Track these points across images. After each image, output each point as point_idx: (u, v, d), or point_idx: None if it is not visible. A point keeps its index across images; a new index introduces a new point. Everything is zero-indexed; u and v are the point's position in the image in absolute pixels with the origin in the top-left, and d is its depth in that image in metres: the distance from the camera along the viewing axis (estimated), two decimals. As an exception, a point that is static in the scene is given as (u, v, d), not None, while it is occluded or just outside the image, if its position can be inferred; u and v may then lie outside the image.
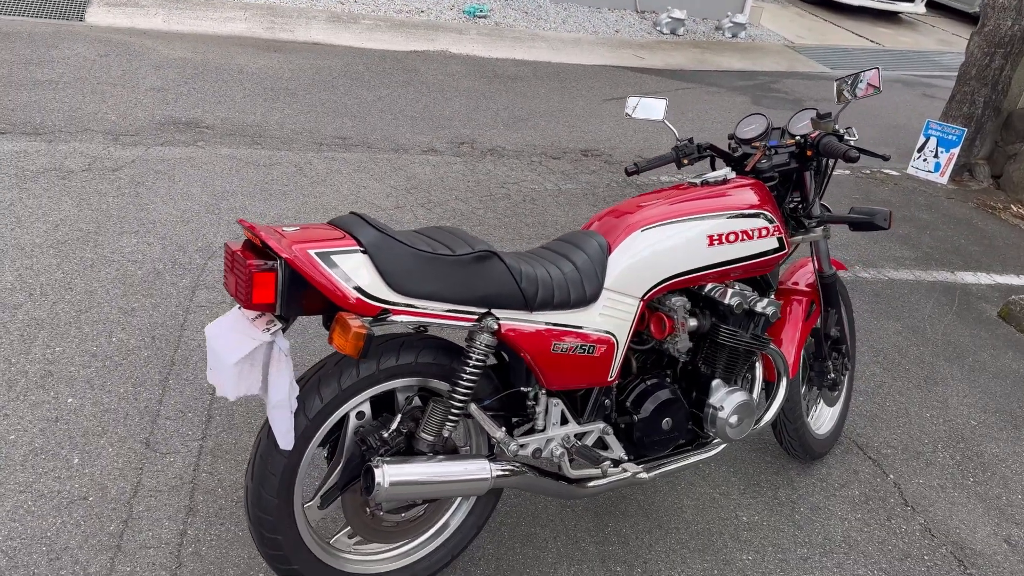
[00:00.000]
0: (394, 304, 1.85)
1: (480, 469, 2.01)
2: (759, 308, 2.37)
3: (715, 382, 2.40)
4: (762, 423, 2.58)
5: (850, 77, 2.59)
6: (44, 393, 2.77)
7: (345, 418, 1.99)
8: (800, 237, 2.66)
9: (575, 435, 2.25)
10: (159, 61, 6.39)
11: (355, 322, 1.74)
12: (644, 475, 2.40)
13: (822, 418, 3.09)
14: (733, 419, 2.38)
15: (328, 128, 5.63)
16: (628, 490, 2.74)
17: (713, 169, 2.60)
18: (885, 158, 2.44)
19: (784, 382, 2.60)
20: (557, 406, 2.18)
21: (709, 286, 2.36)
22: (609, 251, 2.21)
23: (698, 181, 2.45)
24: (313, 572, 2.02)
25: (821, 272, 2.75)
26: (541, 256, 2.19)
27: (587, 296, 2.13)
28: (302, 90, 6.30)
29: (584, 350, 2.12)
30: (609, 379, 2.20)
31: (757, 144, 2.60)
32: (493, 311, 2.00)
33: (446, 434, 2.03)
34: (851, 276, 4.67)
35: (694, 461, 2.51)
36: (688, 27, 10.67)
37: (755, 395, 2.60)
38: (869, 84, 2.51)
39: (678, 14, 10.27)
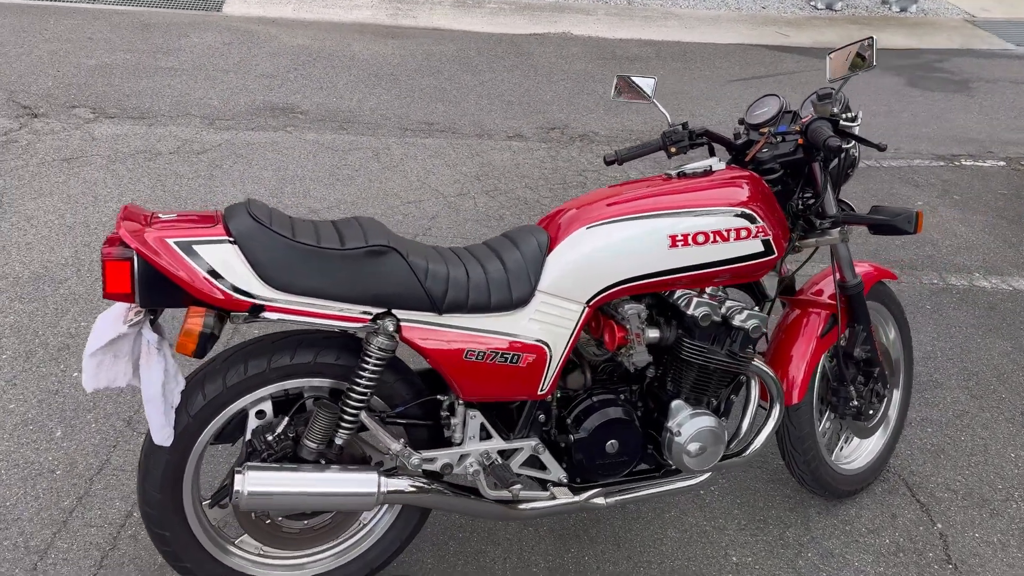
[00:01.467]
0: (268, 300, 1.73)
1: (366, 482, 1.86)
2: (736, 321, 2.04)
3: (675, 403, 2.10)
4: (745, 454, 2.24)
5: (843, 50, 2.19)
6: (55, 366, 2.90)
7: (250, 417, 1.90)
8: (814, 239, 2.28)
9: (501, 452, 2.04)
10: (277, 49, 6.63)
11: (193, 319, 1.64)
12: (600, 501, 2.15)
13: (857, 451, 2.66)
14: (692, 447, 2.07)
15: (418, 113, 5.61)
16: (605, 514, 2.48)
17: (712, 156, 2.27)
18: (880, 148, 2.03)
19: (777, 409, 2.24)
20: (475, 419, 1.98)
21: (678, 293, 2.06)
22: (549, 250, 1.97)
23: (674, 173, 2.15)
24: (207, 573, 1.96)
25: (843, 282, 2.35)
26: (468, 253, 1.99)
27: (513, 299, 1.92)
28: (405, 76, 6.32)
29: (506, 359, 1.91)
30: (540, 392, 1.97)
31: (764, 131, 2.25)
32: (394, 312, 1.83)
33: (339, 442, 1.90)
34: (966, 284, 4.04)
35: (666, 490, 2.22)
36: (848, 1, 9.77)
37: (747, 420, 2.26)
38: (861, 53, 2.10)
39: (835, -12, 9.43)
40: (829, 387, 2.47)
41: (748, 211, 2.04)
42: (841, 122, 2.13)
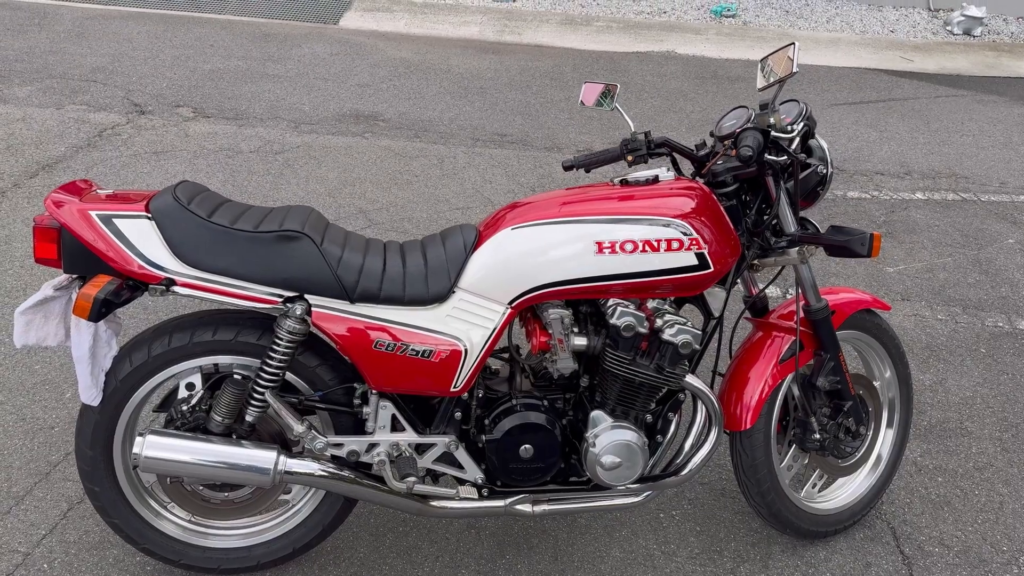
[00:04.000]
0: (180, 275, 1.84)
1: (262, 460, 1.93)
2: (666, 335, 1.98)
3: (596, 413, 2.05)
4: (680, 475, 2.15)
5: (771, 57, 2.08)
6: (87, 336, 3.16)
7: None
8: (772, 259, 2.17)
9: (418, 446, 2.06)
10: (379, 60, 6.93)
11: (93, 285, 1.77)
12: (525, 508, 2.13)
13: (837, 490, 2.49)
14: (606, 459, 2.01)
15: (494, 125, 5.71)
16: (552, 525, 2.44)
17: (677, 170, 2.21)
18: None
19: (714, 432, 2.14)
20: (386, 409, 2.01)
21: (610, 302, 2.02)
22: (474, 248, 1.99)
23: (618, 180, 2.11)
24: (134, 530, 2.09)
25: (807, 305, 2.22)
26: (395, 247, 2.04)
27: (430, 294, 1.94)
28: (494, 89, 6.44)
29: (417, 352, 1.94)
30: (453, 389, 1.98)
31: (725, 143, 2.17)
32: (307, 297, 1.90)
33: (250, 419, 1.98)
34: (993, 326, 3.68)
35: (600, 506, 2.17)
36: (990, 26, 9.11)
37: (691, 439, 2.18)
38: (788, 58, 1.98)
39: (975, 11, 8.81)
40: (793, 421, 2.33)
41: (682, 223, 1.97)
42: (773, 133, 2.02)
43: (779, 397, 2.25)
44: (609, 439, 2.01)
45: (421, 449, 2.07)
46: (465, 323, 1.97)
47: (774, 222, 2.14)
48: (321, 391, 2.04)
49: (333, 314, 1.91)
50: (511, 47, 7.65)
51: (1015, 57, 8.35)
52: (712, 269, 2.00)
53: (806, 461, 2.41)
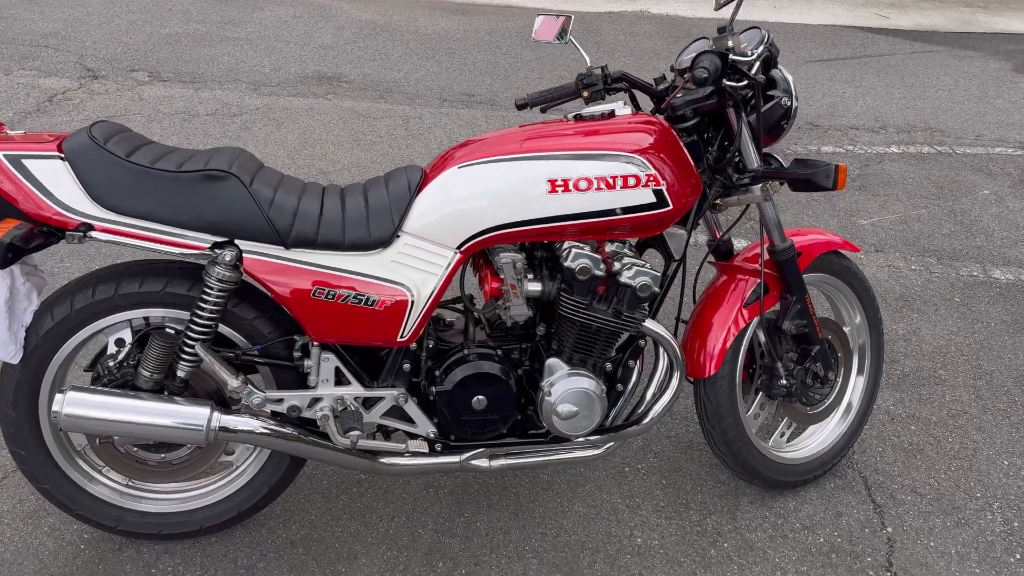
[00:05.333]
0: (98, 220, 1.72)
1: (194, 416, 1.81)
2: (623, 278, 1.87)
3: (552, 361, 1.95)
4: (643, 423, 2.06)
5: None
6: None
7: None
8: (735, 197, 2.07)
9: (365, 400, 1.95)
10: (344, 22, 6.74)
11: None
12: (482, 463, 2.04)
13: (807, 439, 2.41)
14: (562, 408, 1.91)
15: (462, 86, 5.56)
16: (513, 481, 2.35)
17: (635, 105, 2.09)
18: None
19: (676, 378, 2.05)
20: (328, 362, 1.90)
21: (565, 244, 1.91)
22: (419, 190, 1.87)
23: (571, 116, 1.99)
24: (66, 496, 1.98)
25: (771, 246, 2.12)
26: (333, 189, 1.91)
27: (372, 239, 1.83)
28: (462, 50, 6.28)
29: (360, 300, 1.83)
30: (400, 339, 1.87)
31: (687, 74, 2.05)
32: (237, 242, 1.78)
33: (181, 374, 1.86)
34: (1011, 279, 3.61)
35: (560, 459, 2.08)
36: (966, -17, 9.00)
37: (652, 388, 2.08)
38: None
39: (950, -32, 8.70)
40: (759, 368, 2.24)
41: (639, 158, 1.86)
42: (731, 57, 1.91)
43: (744, 343, 2.16)
44: (565, 387, 1.91)
45: (368, 403, 1.96)
46: (411, 269, 1.85)
47: (736, 158, 2.03)
48: (260, 345, 1.93)
49: (266, 260, 1.80)
50: (480, 8, 7.47)
51: (991, 13, 8.27)
52: (671, 207, 1.89)
53: (774, 409, 2.32)
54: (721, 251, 2.26)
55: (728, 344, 2.11)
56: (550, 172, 1.84)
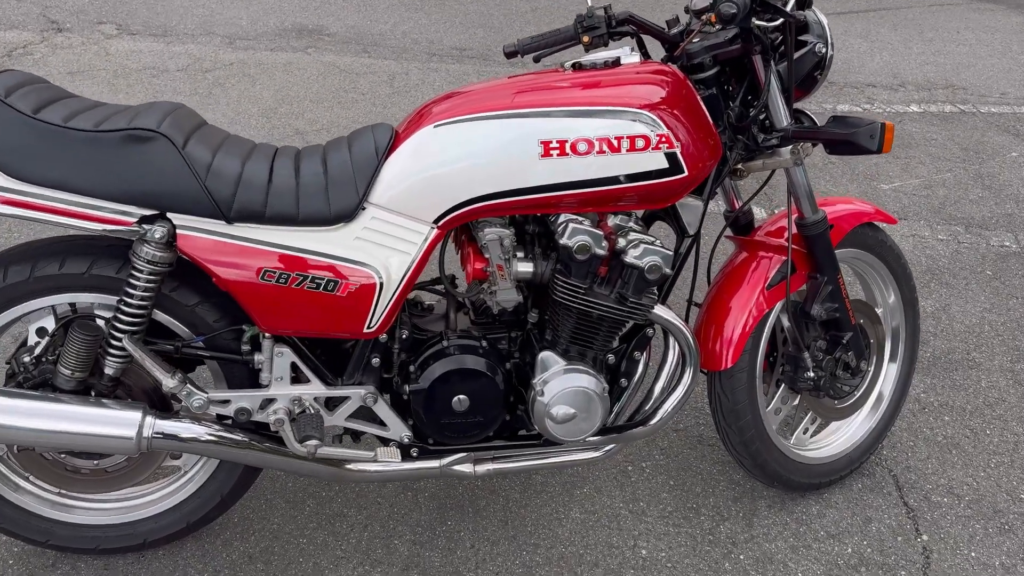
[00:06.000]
0: (1, 190, 1.43)
1: (122, 422, 1.54)
2: (629, 257, 1.59)
3: (545, 355, 1.67)
4: (650, 424, 1.79)
5: None
6: None
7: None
8: (760, 161, 1.78)
9: (324, 400, 1.68)
10: (328, -29, 6.34)
11: None
12: (465, 469, 1.78)
13: (832, 435, 2.15)
14: (557, 410, 1.64)
15: (453, 39, 5.21)
16: (503, 484, 2.09)
17: (644, 53, 1.79)
18: (793, 19, 1.51)
19: (689, 372, 1.78)
20: (283, 356, 1.62)
21: (561, 218, 1.63)
22: (388, 153, 1.58)
23: (569, 64, 1.69)
24: (-14, 507, 1.71)
25: (800, 219, 1.83)
26: (286, 152, 1.62)
27: (332, 212, 1.54)
28: (453, 1, 5.91)
29: (318, 285, 1.55)
30: (367, 330, 1.60)
31: (707, 15, 1.74)
32: (170, 216, 1.49)
33: (110, 372, 1.59)
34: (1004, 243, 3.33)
35: (556, 462, 1.82)
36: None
37: (661, 382, 1.82)
38: None
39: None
40: (782, 356, 1.97)
41: (649, 115, 1.56)
42: None
43: (766, 329, 1.89)
44: (561, 386, 1.64)
45: (332, 404, 1.69)
46: (380, 247, 1.57)
47: (763, 115, 1.74)
48: (204, 336, 1.65)
49: (204, 238, 1.51)
50: (473, -42, 7.06)
51: (1010, -36, 7.86)
52: (686, 174, 1.60)
53: (796, 403, 2.05)
54: (740, 223, 1.97)
55: (748, 331, 1.83)
56: (543, 132, 1.54)
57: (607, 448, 1.83)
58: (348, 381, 1.68)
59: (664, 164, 1.58)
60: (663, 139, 1.57)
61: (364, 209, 1.56)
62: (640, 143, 1.56)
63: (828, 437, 2.14)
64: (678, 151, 1.59)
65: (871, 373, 2.12)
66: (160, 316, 1.63)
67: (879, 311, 2.13)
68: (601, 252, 1.59)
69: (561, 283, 1.60)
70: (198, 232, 1.51)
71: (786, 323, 1.94)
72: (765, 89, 1.68)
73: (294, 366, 1.64)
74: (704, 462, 2.20)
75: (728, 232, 1.98)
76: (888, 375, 2.17)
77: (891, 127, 1.62)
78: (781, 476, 2.00)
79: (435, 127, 1.56)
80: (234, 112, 4.03)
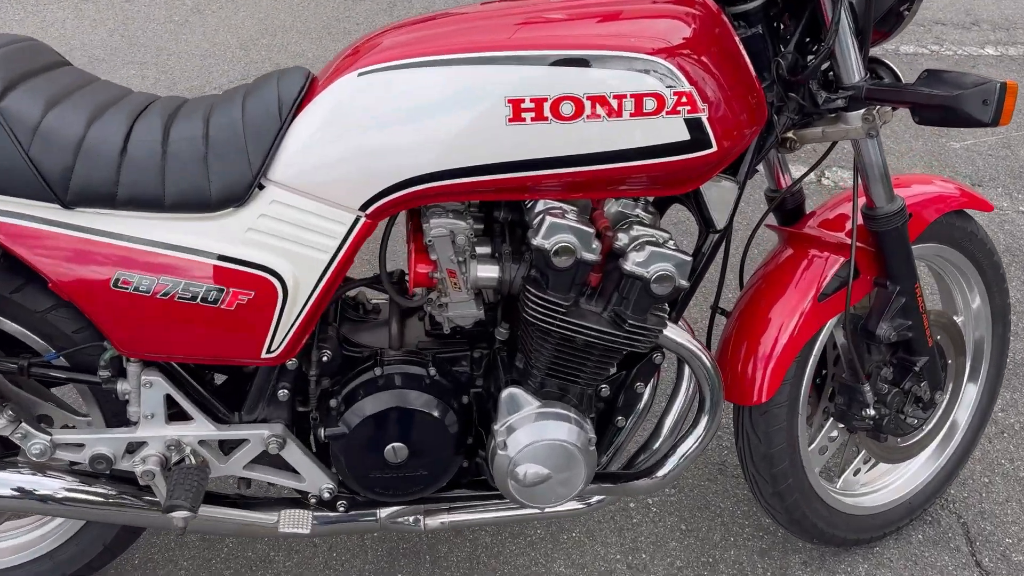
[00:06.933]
0: None
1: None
2: (629, 263, 1.14)
3: (509, 393, 1.23)
4: (656, 476, 1.36)
5: None
6: None
7: None
8: (819, 128, 1.29)
9: (217, 443, 1.26)
10: None
11: None
12: (409, 521, 1.36)
13: (888, 475, 1.70)
14: (524, 470, 1.21)
15: (465, -38, 4.64)
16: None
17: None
18: None
19: (709, 412, 1.33)
20: (151, 387, 1.20)
21: (539, 205, 1.17)
22: (296, 111, 1.13)
23: (558, -10, 1.21)
24: None
25: (870, 208, 1.36)
26: (163, 108, 1.17)
27: (213, 193, 1.11)
28: (469, -81, 5.31)
29: (193, 295, 1.12)
30: (267, 354, 1.17)
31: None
32: (-17, 199, 1.07)
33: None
34: None
35: (527, 515, 1.40)
36: None
37: (671, 419, 1.38)
38: None
39: None
40: (833, 380, 1.52)
41: (664, 63, 1.09)
42: None
43: (816, 349, 1.43)
44: (531, 436, 1.20)
45: (227, 448, 1.27)
46: (283, 242, 1.14)
47: (826, 65, 1.25)
48: (62, 350, 1.23)
49: (33, 227, 1.09)
50: None
51: None
52: (714, 148, 1.13)
53: (846, 438, 1.61)
54: (787, 208, 1.50)
55: (792, 356, 1.38)
56: (512, 86, 1.08)
57: (596, 499, 1.40)
58: (247, 418, 1.26)
59: (684, 135, 1.11)
60: (683, 99, 1.10)
61: (261, 189, 1.13)
62: (650, 104, 1.09)
63: (883, 478, 1.69)
64: (704, 116, 1.11)
65: (946, 401, 1.66)
66: (8, 326, 1.22)
67: (959, 320, 1.65)
68: (591, 257, 1.13)
69: (534, 298, 1.15)
70: (21, 220, 1.08)
71: (840, 339, 1.48)
72: (832, 28, 1.18)
73: (170, 399, 1.22)
74: (726, 499, 1.77)
75: (770, 219, 1.50)
76: (966, 399, 1.71)
77: (1013, 87, 1.13)
78: (823, 532, 1.56)
79: (360, 75, 1.11)
80: (209, 44, 3.57)
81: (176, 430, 1.22)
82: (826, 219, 1.46)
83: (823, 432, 1.56)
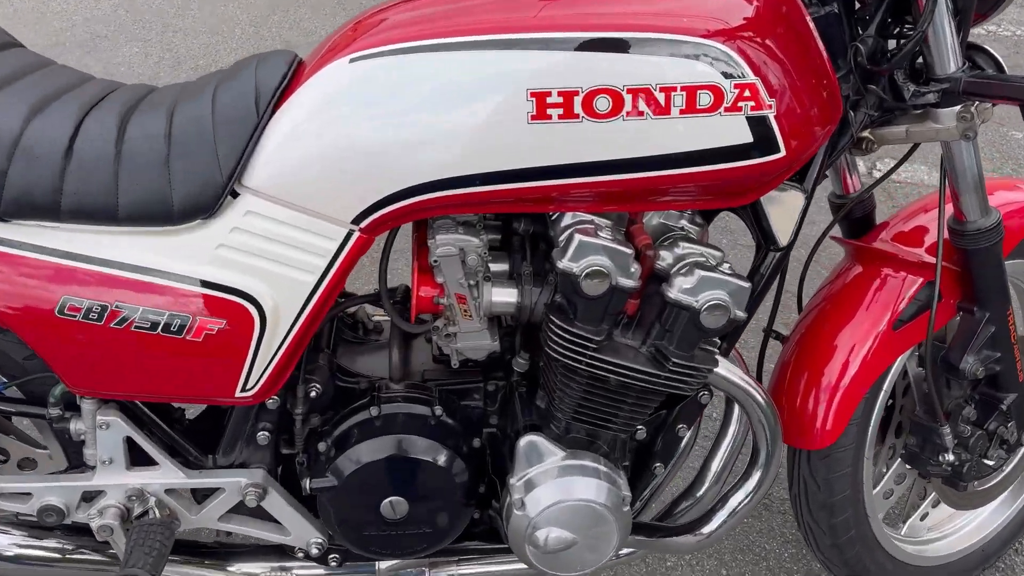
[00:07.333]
0: None
1: None
2: (674, 290, 0.94)
3: (528, 440, 1.04)
4: (702, 532, 1.17)
5: None
6: None
7: None
8: (903, 127, 1.08)
9: (188, 491, 1.09)
10: None
11: None
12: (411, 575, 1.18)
13: (956, 520, 1.50)
14: (544, 535, 1.02)
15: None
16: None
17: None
18: None
19: (764, 463, 1.13)
20: (108, 428, 1.03)
21: (565, 219, 0.98)
22: (278, 104, 0.94)
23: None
24: None
25: (959, 220, 1.14)
26: (124, 98, 0.99)
27: (176, 203, 0.92)
28: None
29: (154, 325, 0.94)
30: (243, 392, 0.99)
31: None
32: None
33: None
34: None
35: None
36: None
37: (717, 462, 1.19)
38: None
39: None
40: (901, 412, 1.31)
41: (722, 48, 0.88)
42: None
43: (886, 384, 1.23)
44: (554, 496, 1.01)
45: (200, 495, 1.10)
46: (261, 261, 0.95)
47: (916, 50, 1.03)
48: (13, 379, 1.06)
49: (-47, 244, 0.91)
50: None
51: None
52: (783, 153, 0.93)
53: (912, 481, 1.40)
54: (855, 217, 1.28)
55: (862, 391, 1.18)
56: (536, 76, 0.89)
57: (627, 552, 1.21)
58: (223, 462, 1.08)
59: (746, 136, 0.91)
60: (746, 92, 0.90)
61: (234, 198, 0.94)
62: (705, 99, 0.89)
63: (953, 522, 1.48)
64: (771, 113, 0.91)
65: (1029, 436, 1.45)
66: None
67: (1047, 344, 1.44)
68: (628, 283, 0.94)
69: (559, 330, 0.96)
70: (-62, 234, 0.90)
71: (913, 369, 1.27)
72: (927, 7, 0.97)
73: (131, 442, 1.04)
74: (771, 539, 1.57)
75: (835, 229, 1.29)
76: (1050, 435, 1.50)
77: None
78: (886, 588, 1.37)
79: (352, 61, 0.91)
80: (217, 20, 3.38)
81: (138, 477, 1.04)
82: (901, 231, 1.25)
83: (889, 473, 1.36)
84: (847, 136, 1.06)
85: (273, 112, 0.94)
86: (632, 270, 0.94)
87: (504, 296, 1.01)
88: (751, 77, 0.89)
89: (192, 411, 1.16)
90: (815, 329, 1.23)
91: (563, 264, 0.93)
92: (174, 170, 0.92)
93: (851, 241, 1.27)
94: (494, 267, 1.03)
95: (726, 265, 0.97)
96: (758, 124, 0.91)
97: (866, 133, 1.10)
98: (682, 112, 0.90)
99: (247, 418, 1.06)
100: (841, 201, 1.26)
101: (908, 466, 1.34)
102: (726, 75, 0.89)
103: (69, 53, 3.05)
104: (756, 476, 1.13)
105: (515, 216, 1.04)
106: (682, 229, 1.05)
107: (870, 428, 1.23)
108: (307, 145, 0.93)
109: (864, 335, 1.18)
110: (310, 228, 0.95)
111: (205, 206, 0.93)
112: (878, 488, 1.35)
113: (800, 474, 1.25)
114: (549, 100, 0.89)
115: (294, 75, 0.97)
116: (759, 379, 1.23)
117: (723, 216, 1.16)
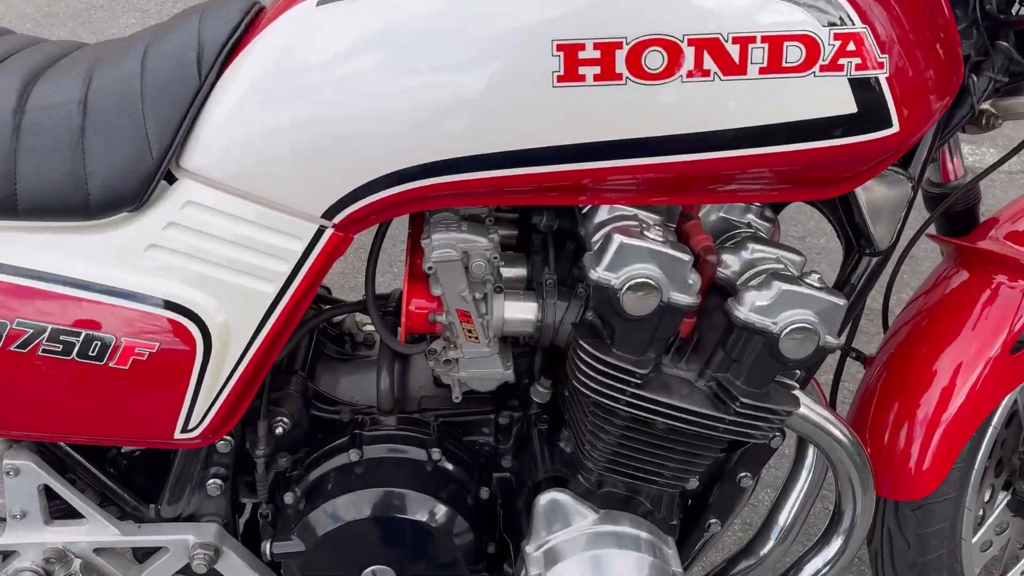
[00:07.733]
0: None
1: None
2: (745, 308, 0.71)
3: (548, 498, 0.82)
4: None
5: None
6: None
7: None
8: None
9: (125, 551, 0.87)
10: None
11: None
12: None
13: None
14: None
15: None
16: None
17: None
18: None
19: (848, 529, 0.90)
20: (18, 475, 0.81)
21: (600, 214, 0.75)
22: (224, 64, 0.71)
23: None
24: None
25: (1104, 219, 0.90)
26: (37, 55, 0.77)
27: (93, 191, 0.70)
28: None
29: (67, 347, 0.72)
30: (184, 433, 0.78)
31: None
32: None
33: None
34: None
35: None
36: None
37: (786, 514, 0.96)
38: None
39: None
40: (1008, 456, 1.07)
41: (821, -11, 0.65)
42: None
43: (995, 420, 0.99)
44: (582, 571, 0.79)
45: (141, 554, 0.88)
46: (205, 266, 0.74)
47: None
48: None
49: None
50: None
51: None
52: (896, 128, 0.69)
53: (1015, 532, 1.16)
54: (955, 210, 1.04)
55: (971, 429, 0.94)
56: (563, 22, 0.67)
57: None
58: (168, 513, 0.87)
59: (848, 106, 0.68)
60: (850, 45, 0.66)
61: (170, 185, 0.72)
62: (794, 53, 0.66)
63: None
64: (883, 75, 0.67)
65: None
66: None
67: None
68: (684, 300, 0.71)
69: (590, 359, 0.73)
70: None
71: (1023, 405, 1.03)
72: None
73: (49, 491, 0.83)
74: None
75: (932, 227, 1.05)
76: None
77: None
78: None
79: (319, 4, 0.69)
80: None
81: (59, 535, 0.83)
82: (1016, 230, 1.00)
83: (990, 521, 1.12)
84: (965, 108, 0.82)
85: (220, 73, 0.72)
86: (690, 282, 0.71)
87: (519, 312, 0.78)
88: (858, 25, 0.66)
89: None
90: (909, 350, 0.99)
91: (598, 274, 0.70)
92: (90, 148, 0.71)
93: (953, 240, 1.02)
94: (507, 274, 0.80)
95: (814, 276, 0.74)
96: (865, 88, 0.67)
97: (987, 105, 0.86)
98: (762, 71, 0.66)
99: (193, 463, 0.84)
100: (940, 191, 1.02)
101: (1014, 514, 1.10)
102: (824, 23, 0.65)
103: (62, 25, 2.86)
104: (839, 538, 0.90)
105: (534, 208, 0.81)
106: (749, 226, 0.82)
107: (973, 472, 1.00)
108: (263, 117, 0.71)
109: (973, 359, 0.94)
110: (269, 224, 0.73)
111: (131, 195, 0.71)
112: (976, 538, 1.11)
113: (885, 527, 1.02)
114: (582, 55, 0.66)
115: (250, 26, 0.75)
116: (834, 406, 1.00)
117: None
